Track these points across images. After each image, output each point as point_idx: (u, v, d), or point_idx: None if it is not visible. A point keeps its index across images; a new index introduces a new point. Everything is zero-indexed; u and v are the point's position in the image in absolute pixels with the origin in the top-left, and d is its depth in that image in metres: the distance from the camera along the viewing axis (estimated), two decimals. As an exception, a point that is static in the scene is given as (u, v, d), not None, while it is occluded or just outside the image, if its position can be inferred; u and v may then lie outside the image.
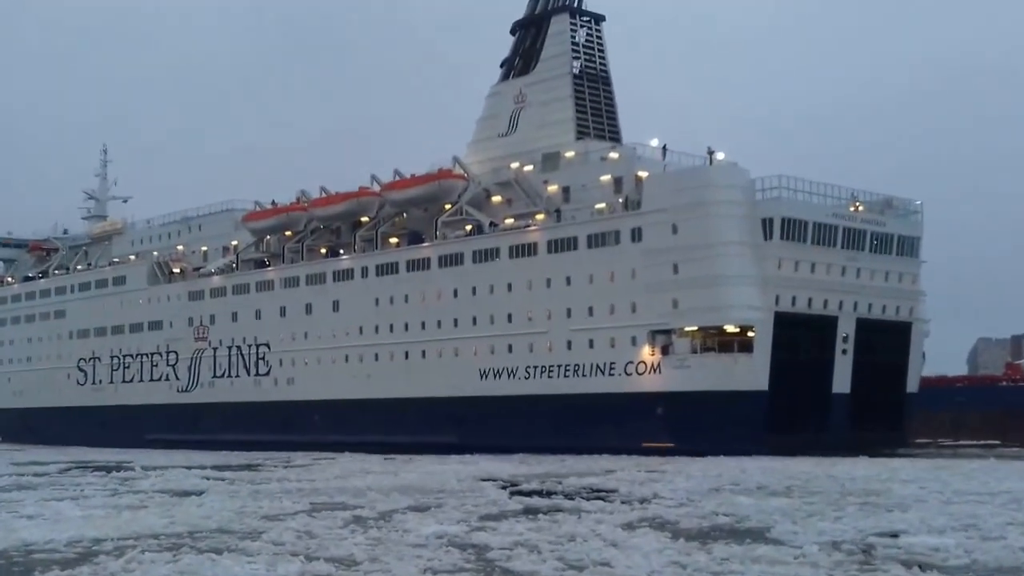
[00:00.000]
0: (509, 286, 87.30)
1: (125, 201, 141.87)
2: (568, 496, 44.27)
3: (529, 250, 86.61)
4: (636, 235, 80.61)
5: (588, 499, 42.73)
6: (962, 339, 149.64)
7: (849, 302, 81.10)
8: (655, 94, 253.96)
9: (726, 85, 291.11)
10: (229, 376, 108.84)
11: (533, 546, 29.95)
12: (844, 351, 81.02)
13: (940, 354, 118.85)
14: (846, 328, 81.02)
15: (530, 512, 38.54)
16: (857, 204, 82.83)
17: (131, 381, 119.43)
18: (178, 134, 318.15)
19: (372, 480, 54.19)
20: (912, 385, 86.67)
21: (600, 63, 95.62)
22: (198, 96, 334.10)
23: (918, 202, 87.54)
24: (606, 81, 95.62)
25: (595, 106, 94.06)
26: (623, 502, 41.37)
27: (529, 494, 45.41)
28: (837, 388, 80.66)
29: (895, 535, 31.13)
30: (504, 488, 48.76)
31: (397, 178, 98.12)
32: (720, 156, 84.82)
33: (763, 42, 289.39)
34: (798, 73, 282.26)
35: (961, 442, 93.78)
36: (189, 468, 68.39)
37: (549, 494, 45.56)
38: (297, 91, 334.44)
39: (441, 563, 27.67)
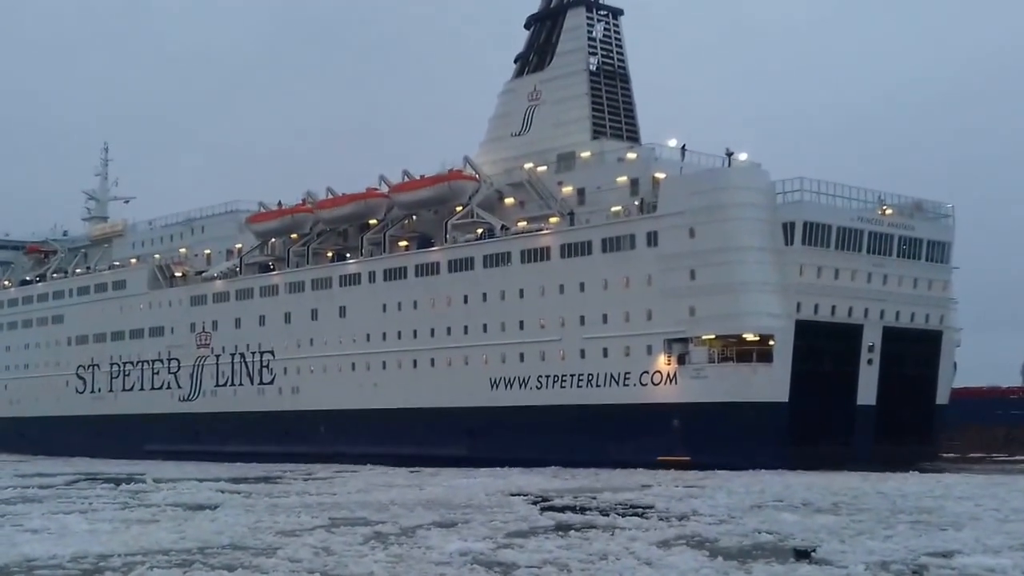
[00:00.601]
0: (521, 292, 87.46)
1: (127, 202, 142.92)
2: (603, 512, 43.93)
3: (542, 255, 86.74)
4: (652, 239, 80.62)
5: (624, 515, 42.41)
6: (1018, 348, 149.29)
7: (875, 310, 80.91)
8: (678, 91, 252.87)
9: (755, 81, 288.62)
10: (232, 385, 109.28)
11: (563, 564, 29.63)
12: (870, 361, 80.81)
13: (992, 364, 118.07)
14: (872, 337, 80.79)
15: (561, 529, 38.33)
16: (884, 208, 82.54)
17: (131, 389, 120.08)
18: (182, 131, 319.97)
19: (396, 494, 54.15)
20: (942, 397, 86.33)
21: (618, 59, 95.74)
22: (203, 92, 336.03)
23: (949, 205, 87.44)
24: (624, 78, 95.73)
25: (612, 104, 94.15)
26: (661, 519, 41.08)
27: (562, 510, 45.12)
28: (862, 400, 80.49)
29: (948, 555, 30.84)
30: (535, 503, 48.51)
31: (406, 179, 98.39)
32: (743, 157, 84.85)
33: (796, 35, 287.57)
34: (833, 68, 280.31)
35: (1016, 457, 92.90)
36: (202, 480, 68.23)
37: (583, 510, 45.28)
38: (306, 87, 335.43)
39: (465, 582, 27.35)
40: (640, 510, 45.06)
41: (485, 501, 49.48)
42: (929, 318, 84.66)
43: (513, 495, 53.01)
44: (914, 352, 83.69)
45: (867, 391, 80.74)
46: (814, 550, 31.82)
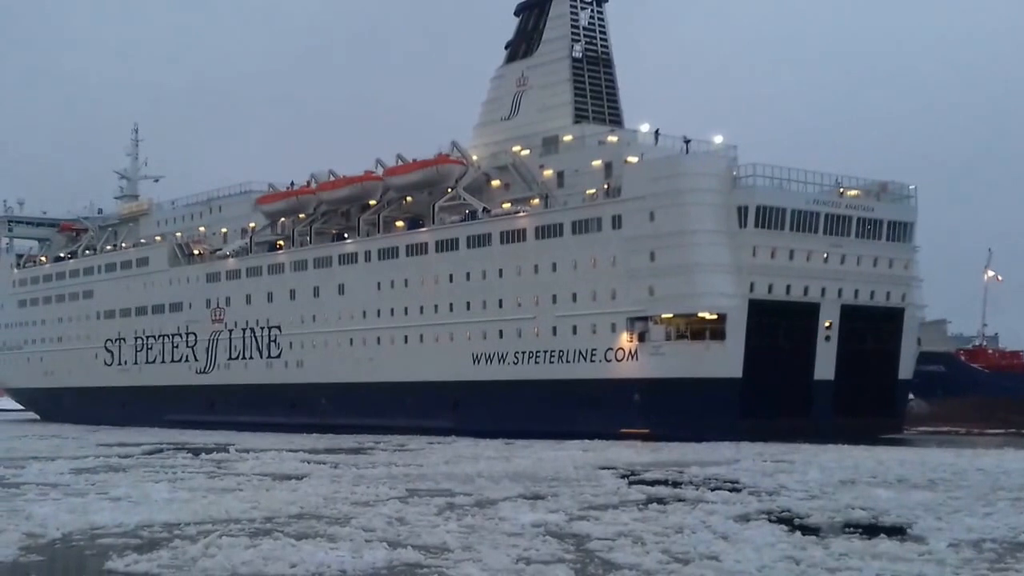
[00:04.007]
0: (500, 272, 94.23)
1: (156, 181, 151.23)
2: (695, 486, 44.52)
3: (518, 236, 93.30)
4: (616, 222, 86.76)
5: (714, 490, 42.72)
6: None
7: (833, 289, 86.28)
8: (675, 74, 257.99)
9: (755, 56, 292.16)
10: (243, 358, 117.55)
11: (637, 537, 30.01)
12: (827, 338, 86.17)
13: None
14: (830, 315, 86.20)
15: (649, 502, 38.91)
16: (842, 189, 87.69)
17: (154, 362, 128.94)
18: (210, 111, 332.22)
19: (484, 466, 55.05)
20: (905, 372, 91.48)
21: (602, 46, 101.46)
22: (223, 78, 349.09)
23: (912, 186, 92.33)
24: (608, 64, 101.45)
25: (595, 90, 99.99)
26: (750, 493, 41.39)
27: (651, 483, 45.70)
28: (820, 375, 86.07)
29: None
30: (623, 477, 49.15)
31: (399, 162, 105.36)
32: (718, 140, 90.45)
33: (788, 13, 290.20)
34: (825, 46, 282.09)
35: (992, 431, 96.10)
36: (285, 451, 69.49)
37: (675, 484, 45.97)
38: (324, 65, 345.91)
39: (538, 553, 27.74)
40: (729, 484, 45.44)
41: (573, 474, 50.08)
42: (891, 296, 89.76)
43: (602, 468, 53.89)
44: (875, 329, 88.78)
45: (825, 367, 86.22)
46: (910, 527, 32.29)
